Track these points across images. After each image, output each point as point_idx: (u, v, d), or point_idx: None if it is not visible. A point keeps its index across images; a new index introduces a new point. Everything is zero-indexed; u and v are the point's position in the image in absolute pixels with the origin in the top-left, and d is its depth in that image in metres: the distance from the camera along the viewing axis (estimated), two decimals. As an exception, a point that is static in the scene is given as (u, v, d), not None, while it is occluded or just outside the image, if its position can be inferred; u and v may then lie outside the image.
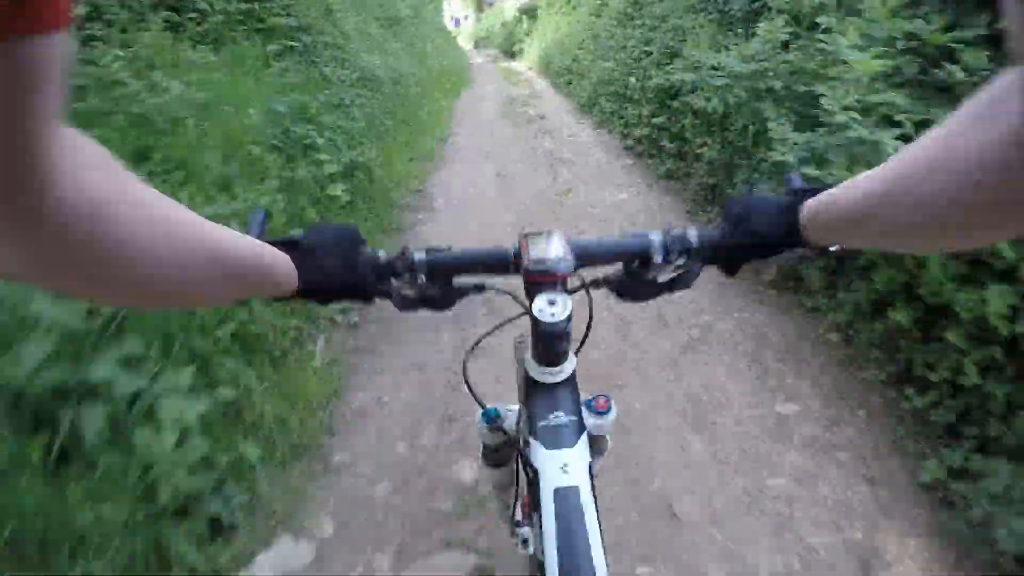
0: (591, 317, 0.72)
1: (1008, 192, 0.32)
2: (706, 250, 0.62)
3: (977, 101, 0.33)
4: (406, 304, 0.64)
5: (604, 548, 0.54)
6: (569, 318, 0.60)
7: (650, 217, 3.76)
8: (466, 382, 0.74)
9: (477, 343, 0.77)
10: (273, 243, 0.52)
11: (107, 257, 0.33)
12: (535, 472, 0.59)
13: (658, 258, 0.63)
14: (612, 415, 0.73)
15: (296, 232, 0.60)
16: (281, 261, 0.51)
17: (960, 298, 1.62)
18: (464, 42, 38.04)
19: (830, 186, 0.49)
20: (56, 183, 0.28)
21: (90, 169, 0.31)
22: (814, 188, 0.53)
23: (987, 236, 0.44)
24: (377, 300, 0.62)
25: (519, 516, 0.87)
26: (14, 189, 0.26)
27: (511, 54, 19.29)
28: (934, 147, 0.36)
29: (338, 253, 0.56)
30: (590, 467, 0.59)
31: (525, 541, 0.72)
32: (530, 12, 17.44)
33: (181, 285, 0.39)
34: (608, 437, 0.81)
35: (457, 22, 68.75)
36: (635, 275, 0.66)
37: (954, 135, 0.34)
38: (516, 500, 0.82)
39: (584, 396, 0.69)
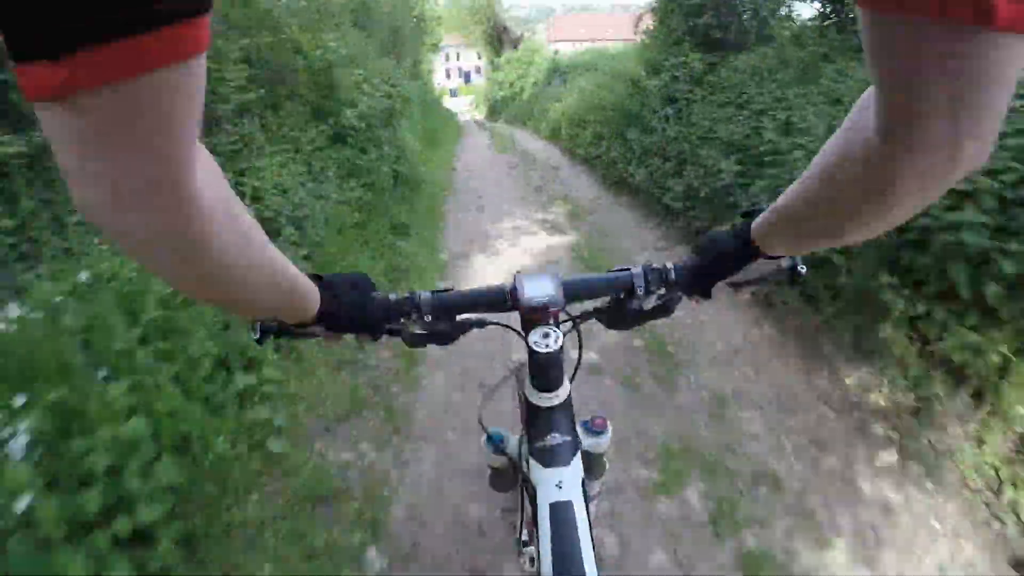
0: (580, 348, 0.76)
1: (875, 182, 0.39)
2: (682, 279, 0.69)
3: (856, 106, 0.40)
4: (415, 340, 0.70)
5: (596, 558, 0.58)
6: (561, 348, 0.67)
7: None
8: (480, 419, 0.82)
9: (492, 391, 0.87)
10: None
11: (210, 258, 0.37)
12: (533, 489, 0.65)
13: (640, 290, 0.69)
14: (608, 435, 0.81)
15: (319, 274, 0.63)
16: (311, 290, 0.57)
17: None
18: (469, 110, 24.49)
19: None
20: (192, 191, 0.32)
21: (212, 180, 0.35)
22: (760, 208, 0.59)
23: (871, 225, 0.45)
24: (385, 338, 0.69)
25: (525, 537, 0.90)
26: (161, 193, 0.31)
27: (604, 168, 4.99)
28: (829, 151, 0.43)
29: (353, 292, 0.63)
30: (584, 484, 0.65)
31: (532, 560, 0.81)
32: None
33: (246, 292, 0.45)
34: (605, 459, 0.86)
35: (468, 77, 55.89)
36: (621, 306, 0.72)
37: (840, 139, 0.42)
38: (522, 522, 0.86)
39: (583, 418, 0.78)
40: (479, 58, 52.27)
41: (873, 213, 0.42)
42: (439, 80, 53.40)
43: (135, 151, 0.28)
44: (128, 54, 0.23)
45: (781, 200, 0.52)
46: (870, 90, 0.37)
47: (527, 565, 0.80)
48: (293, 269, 0.51)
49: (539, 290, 0.67)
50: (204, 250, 0.36)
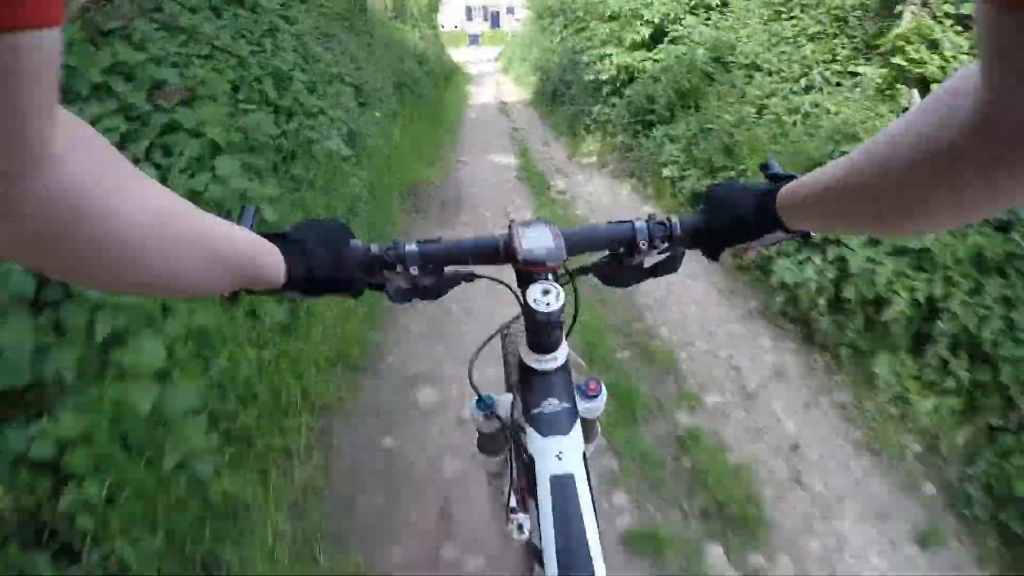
0: (577, 304, 0.72)
1: (958, 175, 0.34)
2: (688, 235, 0.64)
3: (940, 91, 0.35)
4: (400, 295, 0.65)
5: (599, 535, 0.56)
6: (562, 307, 0.62)
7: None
8: (470, 379, 0.75)
9: (481, 348, 0.77)
10: (262, 236, 0.52)
11: (93, 244, 0.33)
12: (530, 459, 0.60)
13: (643, 244, 0.64)
14: (602, 398, 0.76)
15: (285, 228, 0.58)
16: (273, 256, 0.51)
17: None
18: (495, 70, 12.71)
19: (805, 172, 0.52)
20: (48, 168, 0.29)
21: (84, 156, 0.32)
22: (790, 175, 0.55)
23: (939, 219, 0.40)
24: (367, 293, 0.63)
25: (513, 503, 0.89)
26: (7, 171, 0.28)
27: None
28: (899, 133, 0.38)
29: (324, 247, 0.56)
30: (584, 455, 0.61)
31: (520, 527, 0.79)
32: None
33: (172, 277, 0.39)
34: (598, 423, 0.83)
35: (496, 19, 43.27)
36: (621, 261, 0.68)
37: (918, 122, 0.36)
38: (510, 488, 0.84)
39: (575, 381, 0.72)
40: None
41: (960, 207, 0.37)
42: (455, 23, 40.92)
43: None
44: None
45: (820, 177, 0.48)
46: (961, 76, 0.34)
47: (515, 532, 0.79)
48: (244, 235, 0.47)
49: (538, 242, 0.63)
50: (88, 228, 0.32)
